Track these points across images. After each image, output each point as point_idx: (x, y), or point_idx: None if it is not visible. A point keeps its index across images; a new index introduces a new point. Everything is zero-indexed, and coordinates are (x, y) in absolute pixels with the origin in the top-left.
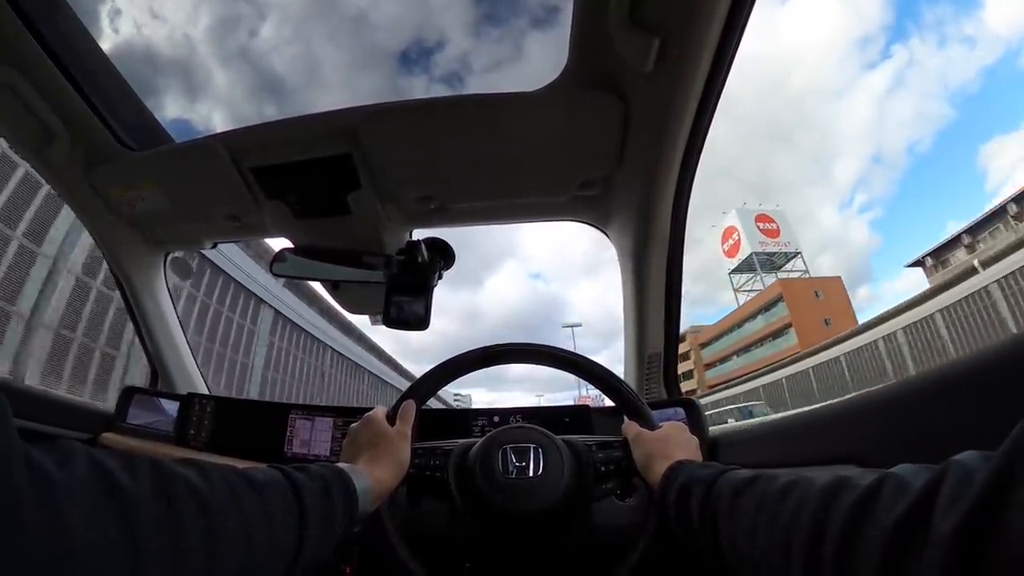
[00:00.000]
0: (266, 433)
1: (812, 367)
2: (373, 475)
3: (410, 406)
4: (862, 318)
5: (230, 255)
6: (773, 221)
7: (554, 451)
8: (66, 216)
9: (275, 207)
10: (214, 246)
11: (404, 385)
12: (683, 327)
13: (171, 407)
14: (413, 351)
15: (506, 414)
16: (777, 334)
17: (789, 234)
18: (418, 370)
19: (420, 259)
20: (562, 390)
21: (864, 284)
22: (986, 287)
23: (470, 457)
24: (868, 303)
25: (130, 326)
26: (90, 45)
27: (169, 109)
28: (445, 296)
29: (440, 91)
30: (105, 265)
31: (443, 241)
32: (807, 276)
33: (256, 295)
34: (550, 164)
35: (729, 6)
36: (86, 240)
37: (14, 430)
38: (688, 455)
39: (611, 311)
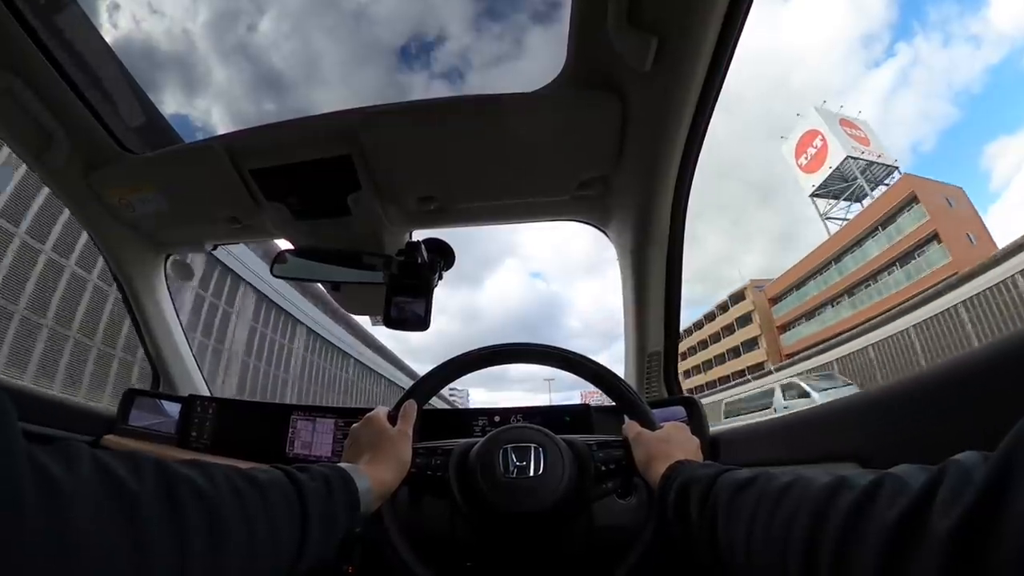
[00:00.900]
0: (268, 434)
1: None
2: (374, 475)
3: (411, 406)
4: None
5: (279, 288)
6: (860, 128)
7: (555, 450)
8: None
9: (275, 209)
10: (214, 248)
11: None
12: (741, 284)
13: (173, 409)
14: (412, 350)
15: (507, 414)
16: (906, 257)
17: (879, 147)
18: (418, 369)
19: (420, 260)
20: (560, 390)
21: None
22: None
23: (471, 457)
24: None
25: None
26: (89, 48)
27: (168, 112)
28: (444, 295)
29: (439, 90)
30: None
31: (443, 242)
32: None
33: (294, 316)
34: (549, 164)
35: (727, 6)
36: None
37: (19, 432)
38: (688, 455)
39: (611, 311)
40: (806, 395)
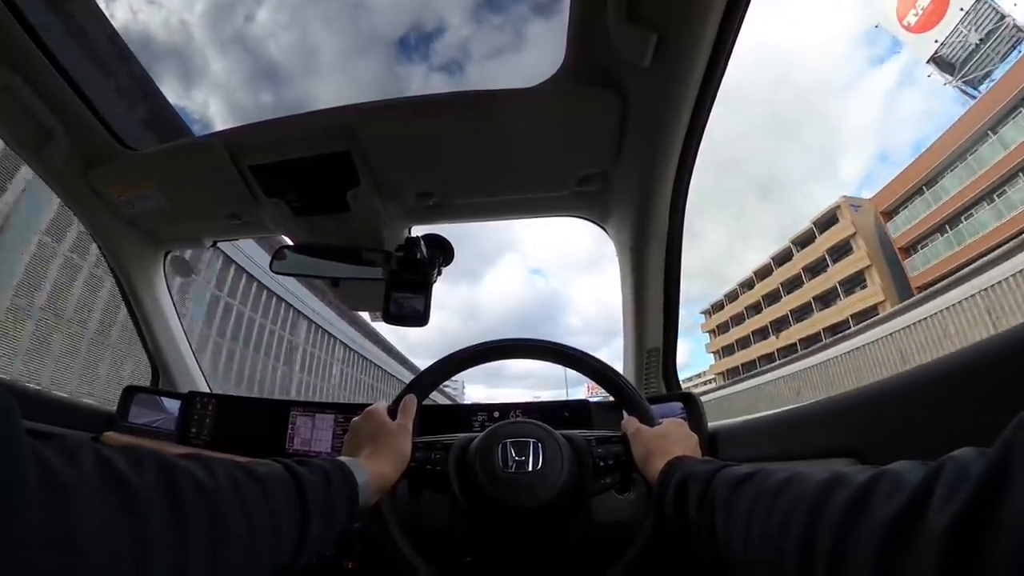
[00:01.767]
0: (268, 431)
1: None
2: (374, 469)
3: (411, 401)
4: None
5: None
6: None
7: (554, 445)
8: None
9: (274, 205)
10: (214, 244)
11: None
12: (828, 205)
13: (172, 406)
14: (411, 346)
15: (506, 409)
16: None
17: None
18: (417, 364)
19: (419, 255)
20: (558, 388)
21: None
22: None
23: (470, 451)
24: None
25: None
26: (88, 45)
27: (167, 108)
28: (443, 291)
29: (439, 85)
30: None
31: (442, 237)
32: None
33: (328, 332)
34: (548, 160)
35: (727, 1)
36: None
37: (23, 427)
38: (687, 451)
39: (610, 309)
40: None
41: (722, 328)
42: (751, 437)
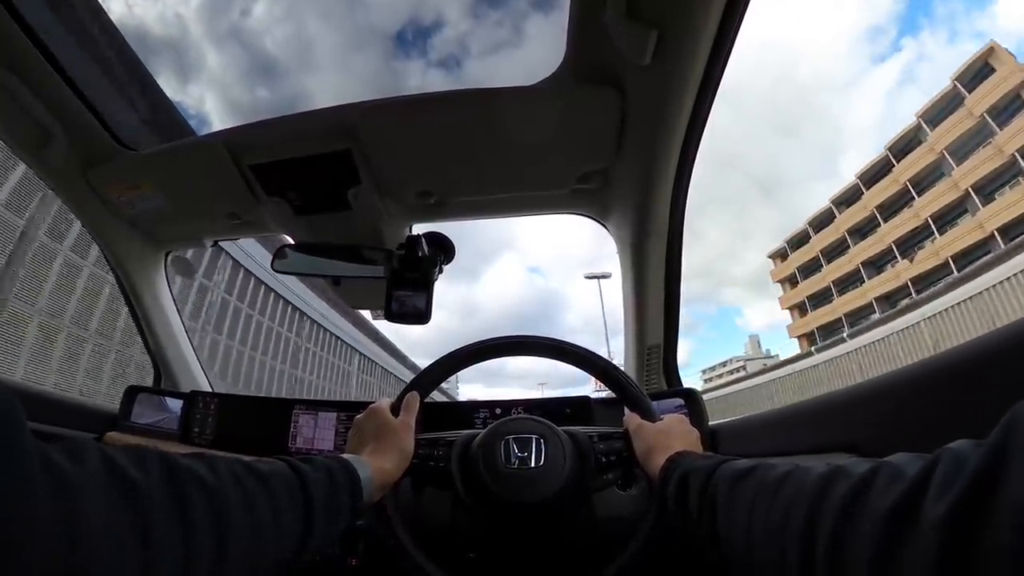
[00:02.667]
0: (271, 429)
1: None
2: (377, 466)
3: (413, 398)
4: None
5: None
6: None
7: (555, 442)
8: None
9: (275, 204)
10: (215, 244)
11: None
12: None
13: (175, 405)
14: (410, 344)
15: (508, 406)
16: None
17: None
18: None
19: (420, 253)
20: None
21: None
22: None
23: (473, 448)
24: None
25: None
26: (86, 45)
27: (167, 108)
28: (442, 289)
29: (439, 82)
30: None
31: (443, 235)
32: None
33: (344, 340)
34: (549, 158)
35: None
36: None
37: (27, 429)
38: (688, 447)
39: (610, 308)
40: None
41: (809, 269)
42: (751, 433)
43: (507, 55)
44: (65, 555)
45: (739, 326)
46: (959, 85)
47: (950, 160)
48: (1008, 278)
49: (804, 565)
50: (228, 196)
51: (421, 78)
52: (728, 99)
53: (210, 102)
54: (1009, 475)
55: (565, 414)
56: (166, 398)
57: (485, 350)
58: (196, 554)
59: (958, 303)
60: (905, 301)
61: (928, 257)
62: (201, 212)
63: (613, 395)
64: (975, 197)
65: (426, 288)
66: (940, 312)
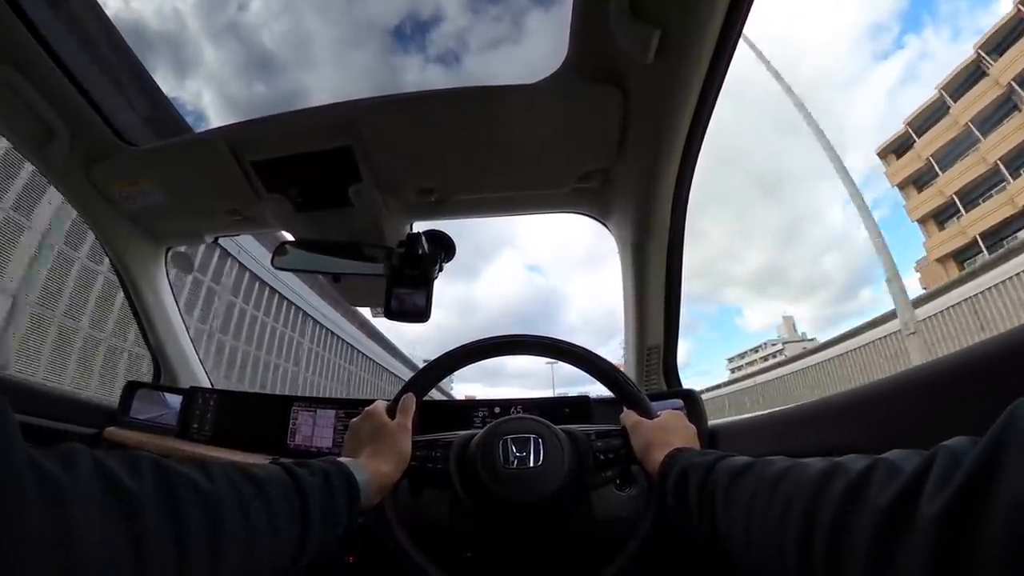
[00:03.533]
0: (269, 426)
1: None
2: (375, 469)
3: (410, 399)
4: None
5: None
6: None
7: (554, 441)
8: None
9: (276, 200)
10: (215, 240)
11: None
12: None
13: (174, 401)
14: (409, 343)
15: (506, 405)
16: None
17: None
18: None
19: (421, 251)
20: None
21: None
22: None
23: (471, 448)
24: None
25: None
26: (88, 42)
27: (168, 104)
28: (441, 287)
29: (439, 79)
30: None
31: (443, 233)
32: None
33: (352, 345)
34: (550, 156)
35: None
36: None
37: (18, 434)
38: (686, 442)
39: (610, 308)
40: None
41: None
42: (750, 434)
43: (509, 52)
44: (57, 562)
45: (739, 326)
46: (982, 53)
47: None
48: None
49: (803, 560)
50: (229, 192)
51: (422, 75)
52: (729, 97)
53: (209, 98)
54: (1005, 470)
55: (564, 414)
56: (165, 394)
57: (482, 350)
58: (189, 559)
59: None
60: None
61: None
62: (202, 208)
63: (612, 395)
64: None
65: (426, 286)
66: None
